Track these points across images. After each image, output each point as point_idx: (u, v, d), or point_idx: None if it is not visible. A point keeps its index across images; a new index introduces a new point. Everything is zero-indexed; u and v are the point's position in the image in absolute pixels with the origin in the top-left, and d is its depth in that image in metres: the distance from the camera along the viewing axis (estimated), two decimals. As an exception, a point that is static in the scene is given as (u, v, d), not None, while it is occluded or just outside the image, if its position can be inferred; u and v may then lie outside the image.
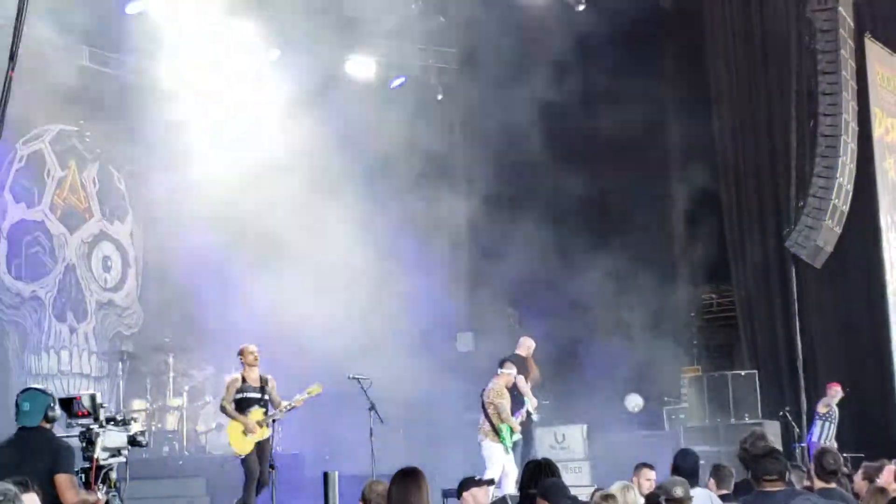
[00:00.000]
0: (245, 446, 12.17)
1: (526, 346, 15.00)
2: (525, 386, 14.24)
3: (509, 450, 13.06)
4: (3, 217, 16.25)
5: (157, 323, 17.42)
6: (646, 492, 9.45)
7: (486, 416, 13.16)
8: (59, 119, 17.00)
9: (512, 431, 13.15)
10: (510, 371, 13.47)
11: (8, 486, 5.16)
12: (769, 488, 6.55)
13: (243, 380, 12.43)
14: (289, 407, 12.37)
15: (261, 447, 12.20)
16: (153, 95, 17.72)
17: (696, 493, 8.22)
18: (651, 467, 10.06)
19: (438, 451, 14.84)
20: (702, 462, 11.04)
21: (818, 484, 7.52)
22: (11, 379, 15.66)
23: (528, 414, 13.81)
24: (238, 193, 16.63)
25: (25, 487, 6.04)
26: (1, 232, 16.19)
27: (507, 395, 13.24)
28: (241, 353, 12.57)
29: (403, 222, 18.12)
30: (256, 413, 12.29)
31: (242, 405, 12.31)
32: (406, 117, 18.14)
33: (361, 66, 19.04)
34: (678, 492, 7.60)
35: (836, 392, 15.72)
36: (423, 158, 18.49)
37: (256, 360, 12.51)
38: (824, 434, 15.52)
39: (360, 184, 18.00)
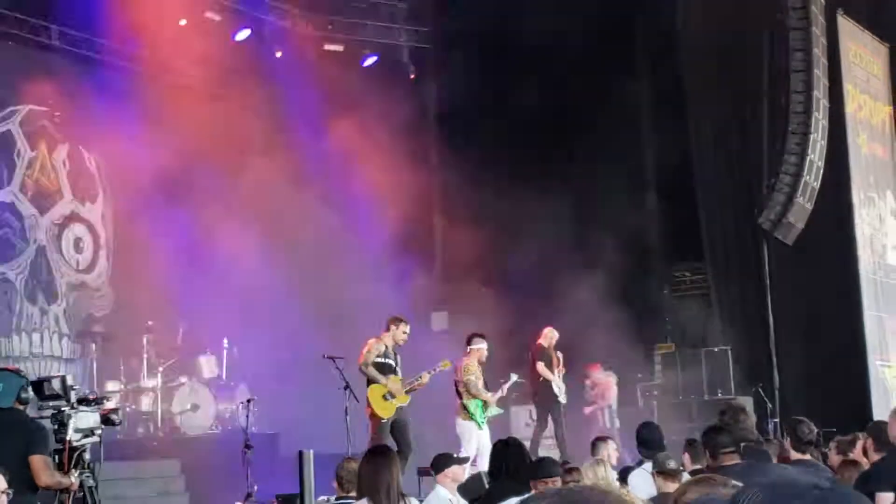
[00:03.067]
0: (387, 410, 12.15)
1: (548, 336, 15.24)
2: (547, 371, 14.74)
3: (481, 425, 12.98)
4: (-28, 199, 16.12)
5: (130, 304, 17.33)
6: (614, 463, 9.51)
7: (458, 393, 13.10)
8: (28, 99, 16.86)
9: (485, 406, 13.01)
10: (479, 346, 13.31)
11: None
12: (727, 462, 6.56)
13: (386, 346, 12.45)
14: (428, 376, 12.45)
15: (401, 414, 12.24)
16: (124, 75, 17.72)
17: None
18: (611, 439, 10.12)
19: (414, 430, 14.85)
20: (673, 437, 11.13)
21: (794, 455, 7.57)
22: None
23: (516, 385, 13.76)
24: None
25: None
26: (-31, 214, 16.07)
27: (475, 370, 13.05)
28: (396, 322, 12.59)
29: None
30: (395, 379, 12.31)
31: (383, 370, 12.29)
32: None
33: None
34: (671, 464, 7.59)
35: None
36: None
37: (405, 340, 12.59)
38: None
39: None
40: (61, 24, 16.89)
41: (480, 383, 13.05)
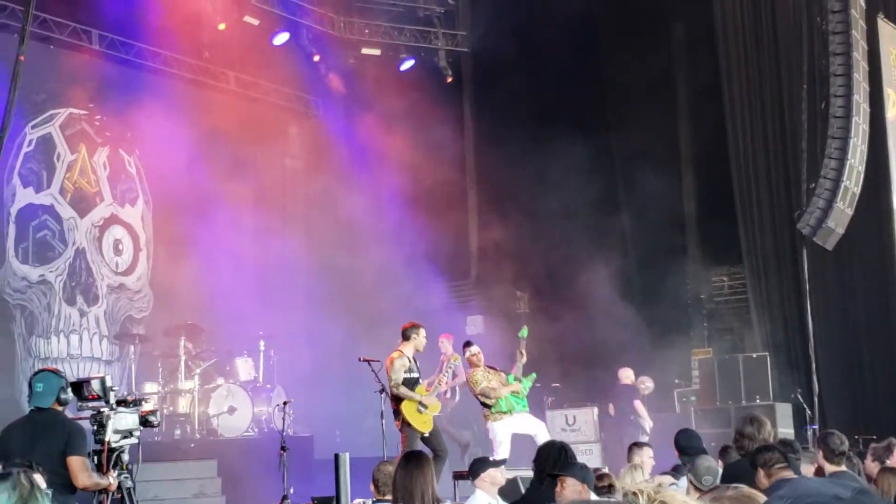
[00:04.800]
0: (425, 425, 12.09)
1: (627, 375, 15.89)
2: (642, 409, 15.64)
3: (525, 408, 12.83)
4: (12, 201, 16.26)
5: (169, 306, 17.45)
6: (649, 470, 9.45)
7: (482, 404, 13.00)
8: (69, 103, 17.02)
9: (511, 396, 12.82)
10: (472, 350, 13.10)
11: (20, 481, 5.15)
12: (784, 476, 6.46)
13: (409, 359, 12.35)
14: (445, 378, 12.60)
15: (434, 421, 12.24)
16: (164, 78, 17.86)
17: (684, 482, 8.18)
18: (647, 445, 10.06)
19: (449, 435, 14.87)
20: (713, 444, 11.06)
21: (828, 468, 7.50)
22: (17, 363, 15.70)
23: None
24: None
25: (31, 469, 6.06)
26: (9, 216, 16.20)
27: (480, 377, 12.88)
28: (416, 329, 12.41)
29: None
30: (422, 390, 12.27)
31: (411, 384, 12.19)
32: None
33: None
34: (707, 481, 7.41)
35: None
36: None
37: (424, 343, 12.53)
38: None
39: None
40: (101, 28, 17.04)
41: (495, 381, 12.90)
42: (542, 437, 12.34)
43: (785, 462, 6.39)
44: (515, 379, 12.95)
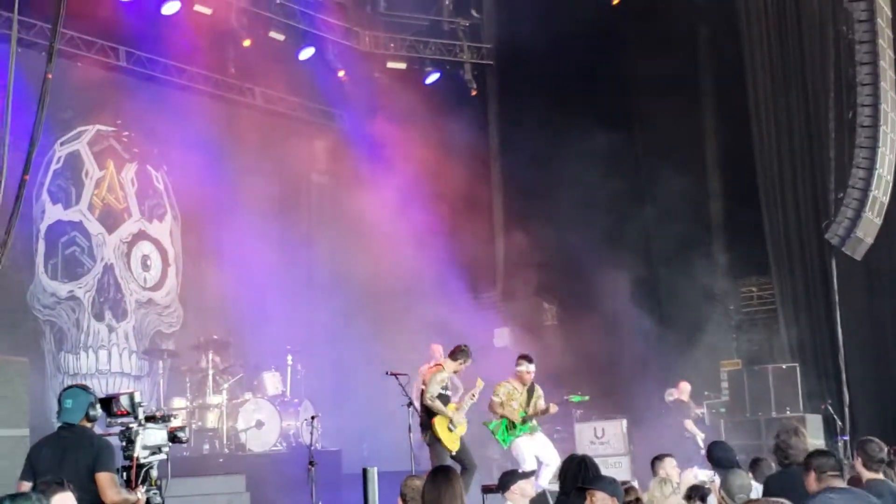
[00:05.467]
0: (454, 443, 12.13)
1: (685, 390, 15.86)
2: (692, 426, 15.47)
3: (504, 443, 12.67)
4: (42, 218, 16.37)
5: (197, 321, 17.52)
6: (676, 480, 9.39)
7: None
8: (96, 119, 17.13)
9: (511, 425, 12.69)
10: (520, 367, 12.91)
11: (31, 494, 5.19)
12: (835, 484, 6.41)
13: (448, 376, 12.49)
14: (471, 401, 12.39)
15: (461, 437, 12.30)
16: (191, 95, 17.96)
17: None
18: (668, 456, 10.00)
19: (477, 448, 14.82)
20: (742, 456, 10.99)
21: (866, 475, 7.43)
22: (47, 379, 15.77)
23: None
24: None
25: (61, 486, 6.09)
26: (38, 233, 16.31)
27: (504, 391, 12.73)
28: (465, 357, 12.46)
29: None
30: (452, 407, 12.32)
31: (444, 401, 12.29)
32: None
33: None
34: (741, 499, 7.36)
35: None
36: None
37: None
38: None
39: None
40: (128, 45, 17.16)
41: (513, 403, 12.75)
42: (551, 470, 12.36)
43: (839, 470, 6.37)
44: (523, 420, 12.82)
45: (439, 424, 12.11)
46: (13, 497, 5.02)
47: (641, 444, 16.08)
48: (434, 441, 12.09)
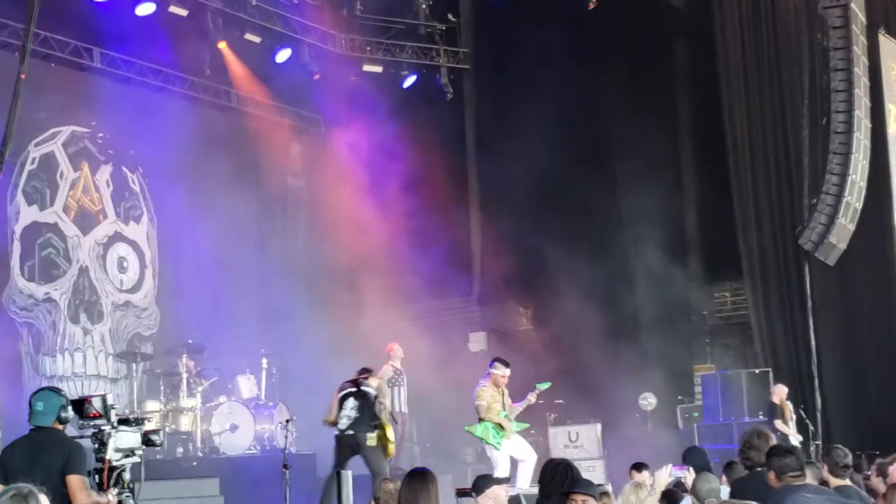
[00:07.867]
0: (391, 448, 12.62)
1: (776, 392, 15.39)
2: (783, 426, 14.80)
3: (497, 446, 12.63)
4: (16, 219, 16.28)
5: (174, 324, 17.46)
6: (650, 484, 9.41)
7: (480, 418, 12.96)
8: (71, 120, 17.04)
9: (500, 427, 12.68)
10: (497, 371, 12.89)
11: (23, 486, 5.18)
12: (797, 483, 6.42)
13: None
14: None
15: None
16: (166, 96, 17.91)
17: None
18: (643, 465, 10.01)
19: (451, 452, 14.85)
20: (716, 460, 11.03)
21: (834, 481, 7.48)
22: (24, 382, 15.68)
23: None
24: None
25: (34, 488, 6.05)
26: (14, 234, 16.21)
27: (488, 395, 12.73)
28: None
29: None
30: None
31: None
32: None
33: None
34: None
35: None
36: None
37: None
38: None
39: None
40: (103, 46, 17.08)
41: (496, 406, 12.82)
42: (529, 466, 12.46)
43: (800, 472, 6.38)
44: (507, 417, 12.83)
45: (388, 430, 12.53)
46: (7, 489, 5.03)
47: (615, 448, 16.13)
48: (380, 446, 12.36)
